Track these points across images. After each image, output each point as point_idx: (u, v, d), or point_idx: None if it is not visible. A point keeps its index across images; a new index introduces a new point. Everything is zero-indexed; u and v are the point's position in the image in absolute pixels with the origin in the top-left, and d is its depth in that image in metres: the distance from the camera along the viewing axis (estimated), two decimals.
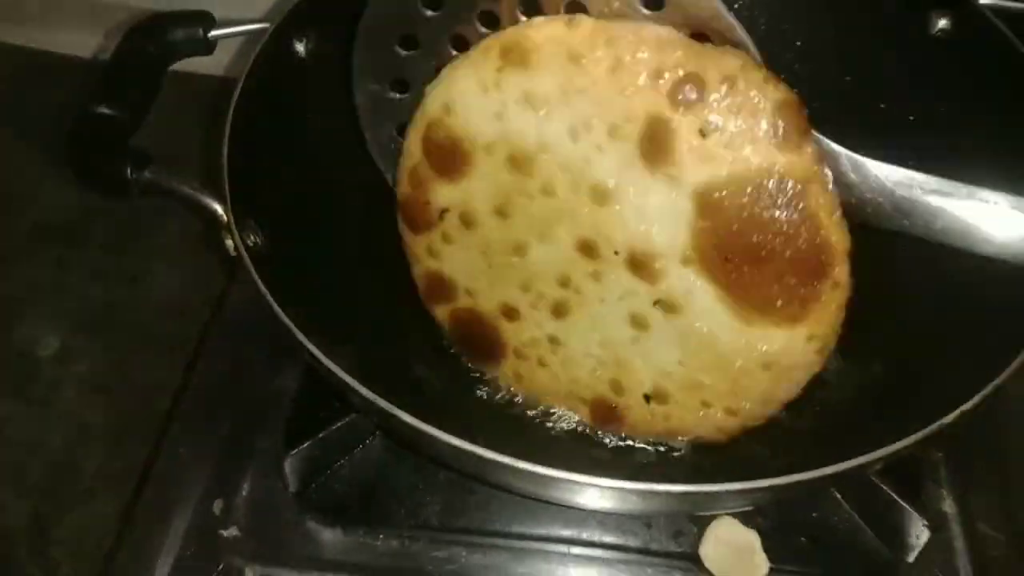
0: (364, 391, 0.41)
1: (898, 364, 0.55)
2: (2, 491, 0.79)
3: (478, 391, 0.58)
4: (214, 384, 0.63)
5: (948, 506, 0.58)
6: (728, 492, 0.40)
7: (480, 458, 0.39)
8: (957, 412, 0.42)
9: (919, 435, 0.42)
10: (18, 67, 1.09)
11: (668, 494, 0.40)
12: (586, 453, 0.55)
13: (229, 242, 0.47)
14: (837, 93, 0.68)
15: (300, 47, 0.58)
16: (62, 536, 0.77)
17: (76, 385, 0.87)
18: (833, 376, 0.56)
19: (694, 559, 0.55)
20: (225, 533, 0.56)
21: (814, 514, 0.57)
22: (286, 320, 0.43)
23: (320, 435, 0.55)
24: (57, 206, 0.98)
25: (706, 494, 0.40)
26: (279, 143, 0.54)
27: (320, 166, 0.56)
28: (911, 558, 0.55)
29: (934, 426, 0.42)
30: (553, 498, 0.46)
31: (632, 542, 0.56)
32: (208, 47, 0.56)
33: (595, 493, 0.41)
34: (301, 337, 0.43)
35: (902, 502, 0.54)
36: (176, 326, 0.88)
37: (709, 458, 0.54)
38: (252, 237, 0.49)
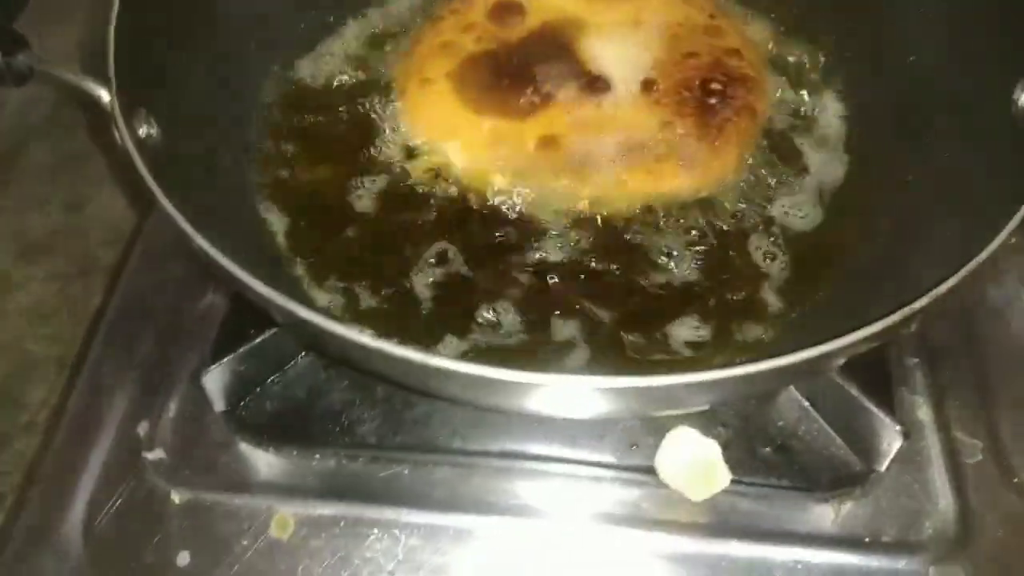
0: (262, 288, 0.37)
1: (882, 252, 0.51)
2: None
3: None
4: (138, 303, 0.60)
5: (923, 414, 0.55)
6: (673, 386, 0.36)
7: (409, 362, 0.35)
8: (905, 312, 0.38)
9: (879, 326, 0.37)
10: None
11: (613, 389, 0.36)
12: None
13: (116, 135, 0.42)
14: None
15: None
16: (4, 468, 0.74)
17: (19, 315, 0.83)
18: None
19: (650, 471, 0.51)
20: (149, 456, 0.52)
21: (780, 423, 0.53)
22: (171, 209, 0.38)
23: (242, 349, 0.51)
24: None
25: (648, 388, 0.36)
26: (178, 21, 0.49)
27: (225, 52, 0.51)
28: (883, 467, 0.51)
29: (887, 321, 0.38)
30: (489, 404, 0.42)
31: (583, 455, 0.52)
32: None
33: (528, 392, 0.37)
34: (187, 229, 0.38)
35: (873, 407, 0.50)
36: (118, 252, 0.84)
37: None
38: (144, 128, 0.44)
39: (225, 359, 0.51)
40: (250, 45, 0.55)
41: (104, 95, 0.43)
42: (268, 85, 0.58)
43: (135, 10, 0.46)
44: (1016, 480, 0.52)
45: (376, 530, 0.50)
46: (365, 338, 0.34)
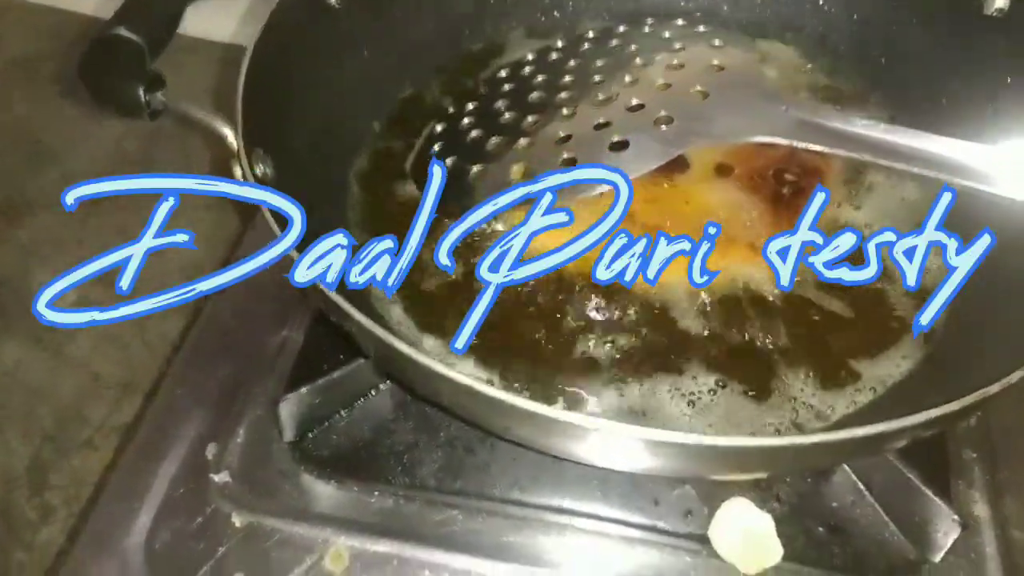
0: (363, 319, 0.39)
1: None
2: (9, 433, 0.79)
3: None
4: (218, 331, 0.62)
5: (980, 509, 0.54)
6: (730, 448, 0.37)
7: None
8: (953, 406, 0.38)
9: (938, 411, 0.38)
10: (65, 28, 1.11)
11: (670, 444, 0.37)
12: None
13: (237, 170, 0.46)
14: (887, 70, 0.65)
15: None
16: (60, 482, 0.76)
17: (92, 337, 0.87)
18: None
19: (703, 540, 0.51)
20: (216, 478, 0.54)
21: (834, 504, 0.53)
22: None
23: (318, 381, 0.53)
24: (88, 160, 0.99)
25: (705, 448, 0.37)
26: (297, 81, 0.53)
27: (338, 110, 0.55)
28: (937, 558, 0.51)
29: (950, 407, 0.38)
30: (555, 447, 0.43)
31: (637, 518, 0.53)
32: None
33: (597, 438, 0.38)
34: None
35: (931, 494, 0.50)
36: None
37: None
38: (260, 166, 0.47)
39: (303, 388, 0.53)
40: (357, 99, 0.59)
41: (230, 134, 0.46)
42: (368, 138, 0.62)
43: (263, 62, 0.50)
44: None
45: (427, 572, 0.51)
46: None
